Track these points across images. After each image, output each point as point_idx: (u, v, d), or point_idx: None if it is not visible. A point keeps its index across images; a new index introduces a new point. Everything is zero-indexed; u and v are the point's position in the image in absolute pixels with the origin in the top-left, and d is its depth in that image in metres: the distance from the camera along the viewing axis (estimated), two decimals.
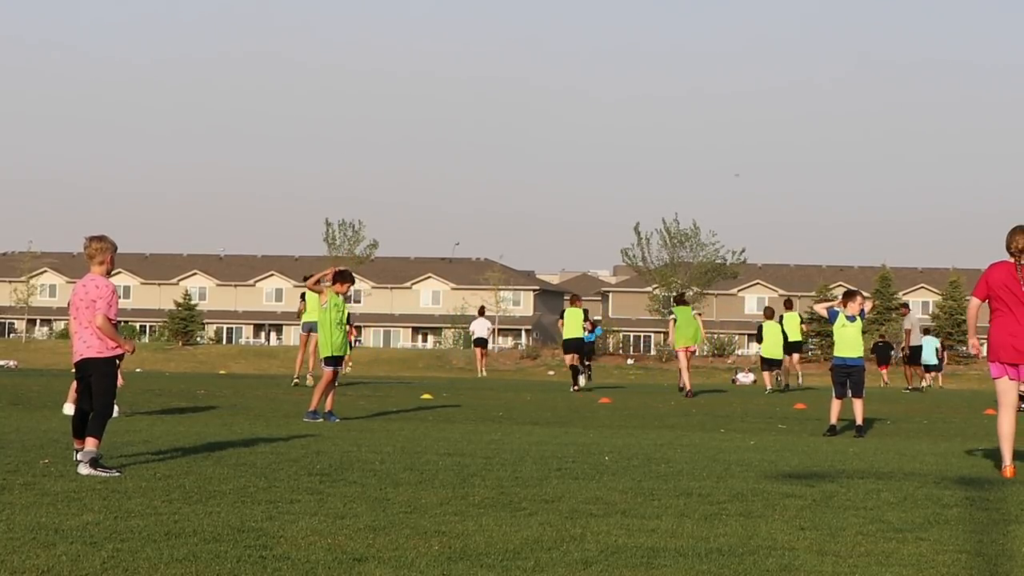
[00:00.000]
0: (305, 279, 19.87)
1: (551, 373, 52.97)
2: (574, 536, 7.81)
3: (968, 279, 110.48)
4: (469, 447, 13.87)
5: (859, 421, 18.07)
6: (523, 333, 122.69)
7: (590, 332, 39.28)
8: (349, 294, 19.58)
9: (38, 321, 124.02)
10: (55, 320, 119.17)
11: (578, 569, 6.84)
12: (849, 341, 18.32)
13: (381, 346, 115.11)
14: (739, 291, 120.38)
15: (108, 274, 11.65)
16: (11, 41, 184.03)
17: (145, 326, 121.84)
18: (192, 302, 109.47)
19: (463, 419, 20.06)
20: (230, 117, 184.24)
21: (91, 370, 11.45)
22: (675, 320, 31.66)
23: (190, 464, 11.28)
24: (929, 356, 47.61)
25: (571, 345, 32.62)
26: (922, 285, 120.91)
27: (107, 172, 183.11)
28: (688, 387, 30.26)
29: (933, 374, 47.21)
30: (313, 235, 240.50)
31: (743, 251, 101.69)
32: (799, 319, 36.54)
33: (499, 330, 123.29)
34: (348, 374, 36.46)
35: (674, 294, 32.23)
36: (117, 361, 11.52)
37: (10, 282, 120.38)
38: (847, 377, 18.22)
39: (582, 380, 32.57)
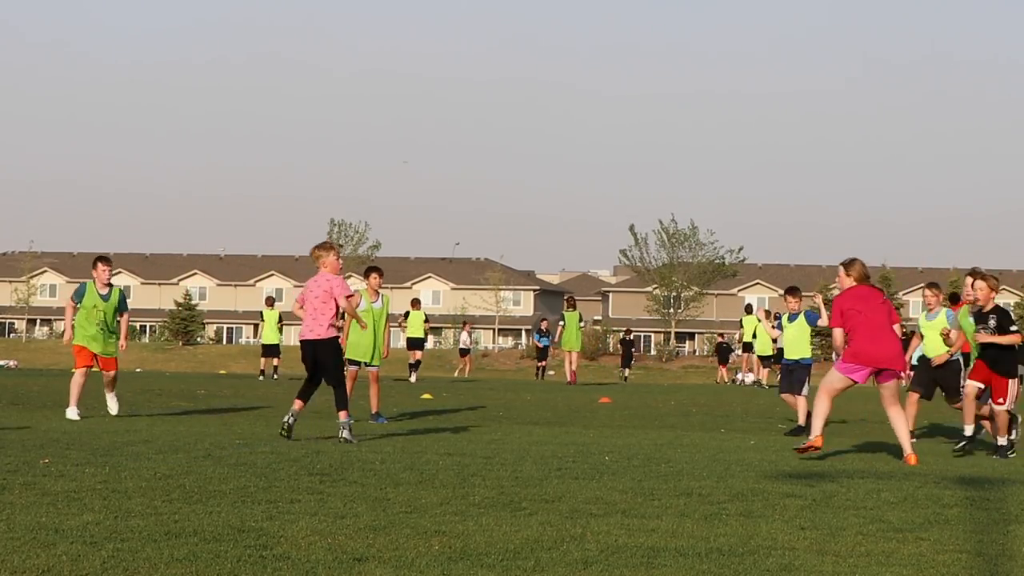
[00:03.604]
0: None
1: (551, 373, 53.01)
2: (574, 536, 7.80)
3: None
4: (469, 447, 13.88)
5: (799, 420, 18.41)
6: (523, 333, 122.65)
7: (545, 336, 45.60)
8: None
9: (38, 321, 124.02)
10: (55, 320, 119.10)
11: (578, 569, 6.84)
12: (789, 342, 19.06)
13: None
14: (739, 291, 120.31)
15: (338, 272, 14.66)
16: (11, 41, 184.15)
17: (145, 326, 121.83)
18: (192, 302, 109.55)
19: (463, 419, 20.07)
20: (230, 117, 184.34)
21: (320, 351, 14.42)
22: (563, 326, 37.08)
23: (190, 464, 11.28)
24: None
25: (412, 343, 38.51)
26: (922, 285, 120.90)
27: (107, 172, 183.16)
28: (572, 379, 36.77)
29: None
30: (313, 235, 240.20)
31: (741, 249, 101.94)
32: (756, 322, 38.98)
33: (499, 330, 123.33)
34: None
35: (566, 296, 38.47)
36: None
37: (10, 282, 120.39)
38: (789, 375, 18.94)
39: (413, 377, 37.69)
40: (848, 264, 13.97)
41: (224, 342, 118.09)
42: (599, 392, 31.27)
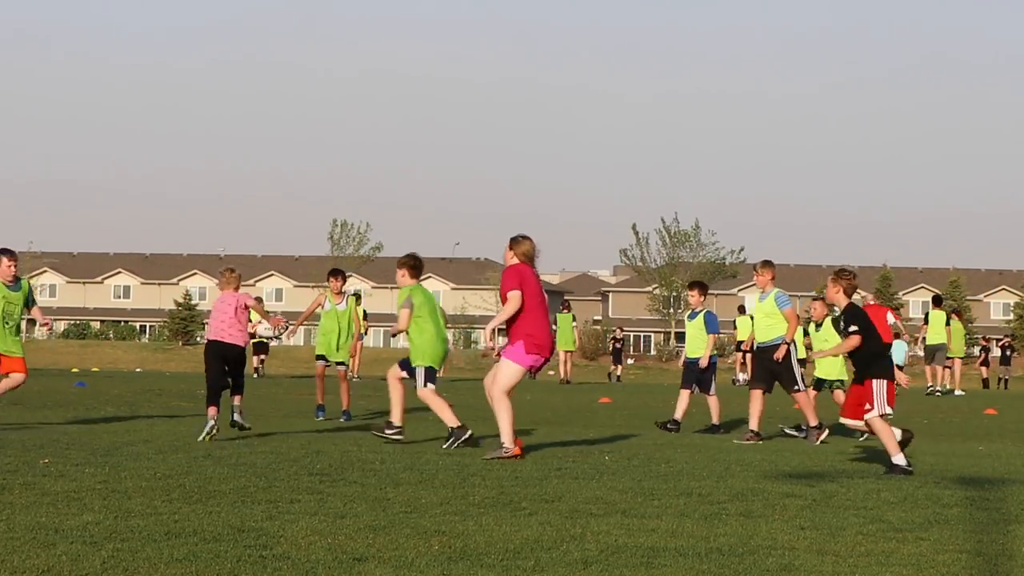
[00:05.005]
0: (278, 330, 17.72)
1: (551, 373, 53.02)
2: (574, 536, 7.81)
3: (968, 279, 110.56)
4: (469, 447, 13.88)
5: (713, 420, 18.34)
6: None
7: None
8: (346, 291, 19.59)
9: (37, 321, 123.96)
10: (55, 320, 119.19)
11: (578, 569, 6.84)
12: (688, 340, 18.72)
13: (381, 346, 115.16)
14: (739, 291, 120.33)
15: (235, 289, 15.85)
16: (11, 40, 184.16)
17: (145, 326, 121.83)
18: (192, 302, 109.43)
19: (463, 419, 20.04)
20: (230, 118, 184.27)
21: (230, 351, 15.57)
22: (557, 327, 38.46)
23: (190, 464, 11.28)
24: (899, 358, 51.38)
25: None
26: (922, 285, 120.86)
27: (107, 172, 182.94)
28: (566, 378, 38.41)
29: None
30: (314, 235, 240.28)
31: (742, 250, 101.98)
32: (749, 322, 39.82)
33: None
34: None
35: (562, 300, 41.30)
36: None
37: None
38: (691, 373, 18.46)
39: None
40: (516, 240, 13.36)
41: None
42: (599, 392, 31.28)
